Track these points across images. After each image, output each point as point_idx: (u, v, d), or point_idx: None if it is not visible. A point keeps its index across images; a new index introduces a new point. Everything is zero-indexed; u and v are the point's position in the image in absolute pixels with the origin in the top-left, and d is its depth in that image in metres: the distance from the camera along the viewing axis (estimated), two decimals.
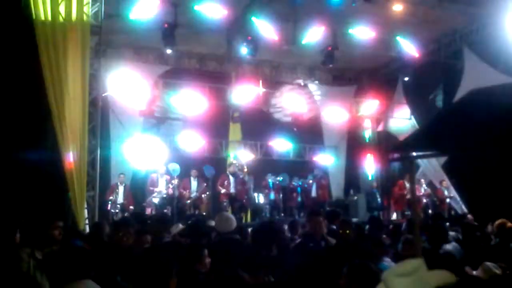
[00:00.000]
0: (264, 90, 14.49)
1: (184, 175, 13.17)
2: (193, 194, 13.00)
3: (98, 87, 10.58)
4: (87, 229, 9.01)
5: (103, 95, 11.11)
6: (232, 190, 13.33)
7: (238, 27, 12.28)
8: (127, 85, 12.43)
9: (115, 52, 13.13)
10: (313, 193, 15.09)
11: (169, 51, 11.59)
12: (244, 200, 13.50)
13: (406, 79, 15.25)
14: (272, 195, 14.43)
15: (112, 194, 11.95)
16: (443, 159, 13.41)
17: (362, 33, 12.42)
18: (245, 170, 14.54)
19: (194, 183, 13.15)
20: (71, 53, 8.99)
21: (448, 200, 13.97)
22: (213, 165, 13.84)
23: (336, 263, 3.90)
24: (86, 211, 9.58)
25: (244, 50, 12.42)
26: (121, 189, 12.20)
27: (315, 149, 16.33)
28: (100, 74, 10.69)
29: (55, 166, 9.29)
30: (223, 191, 13.24)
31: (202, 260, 4.12)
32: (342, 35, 12.38)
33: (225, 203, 13.10)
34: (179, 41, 11.58)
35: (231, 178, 13.51)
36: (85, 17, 9.30)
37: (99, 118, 10.43)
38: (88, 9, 9.39)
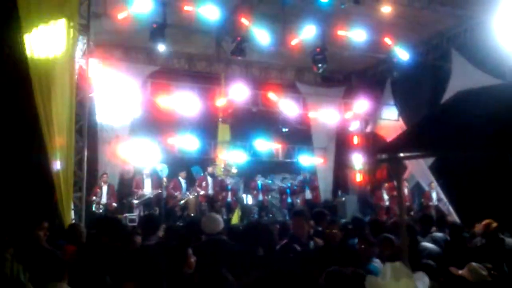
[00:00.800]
0: (253, 91, 14.45)
1: (172, 176, 13.11)
2: (183, 196, 12.96)
3: (86, 87, 10.48)
4: None
5: (90, 95, 11.01)
6: (210, 191, 13.28)
7: (227, 27, 12.24)
8: (115, 85, 12.34)
9: (103, 52, 13.01)
10: (307, 195, 15.11)
11: (162, 47, 11.44)
12: (219, 202, 13.43)
13: (395, 80, 15.31)
14: (261, 197, 14.43)
15: (95, 194, 11.84)
16: (430, 160, 13.48)
17: (351, 34, 12.44)
18: (234, 171, 14.52)
19: (183, 185, 13.12)
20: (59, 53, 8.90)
21: (436, 202, 13.99)
22: (201, 166, 13.79)
23: (322, 264, 3.90)
24: (73, 212, 9.48)
25: (233, 51, 12.35)
26: (104, 189, 12.09)
27: (304, 150, 16.36)
28: (88, 74, 10.59)
29: (42, 167, 9.19)
30: (201, 192, 13.19)
31: (187, 260, 4.10)
32: (331, 36, 12.39)
33: (203, 206, 13.02)
34: (168, 41, 11.52)
35: (209, 179, 13.46)
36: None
37: (87, 119, 10.32)
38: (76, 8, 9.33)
